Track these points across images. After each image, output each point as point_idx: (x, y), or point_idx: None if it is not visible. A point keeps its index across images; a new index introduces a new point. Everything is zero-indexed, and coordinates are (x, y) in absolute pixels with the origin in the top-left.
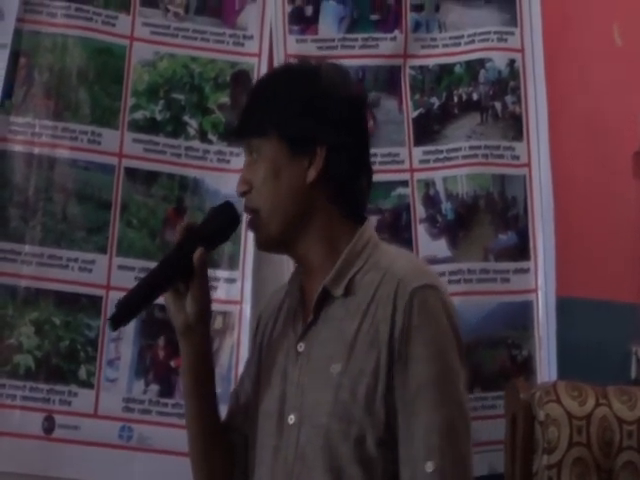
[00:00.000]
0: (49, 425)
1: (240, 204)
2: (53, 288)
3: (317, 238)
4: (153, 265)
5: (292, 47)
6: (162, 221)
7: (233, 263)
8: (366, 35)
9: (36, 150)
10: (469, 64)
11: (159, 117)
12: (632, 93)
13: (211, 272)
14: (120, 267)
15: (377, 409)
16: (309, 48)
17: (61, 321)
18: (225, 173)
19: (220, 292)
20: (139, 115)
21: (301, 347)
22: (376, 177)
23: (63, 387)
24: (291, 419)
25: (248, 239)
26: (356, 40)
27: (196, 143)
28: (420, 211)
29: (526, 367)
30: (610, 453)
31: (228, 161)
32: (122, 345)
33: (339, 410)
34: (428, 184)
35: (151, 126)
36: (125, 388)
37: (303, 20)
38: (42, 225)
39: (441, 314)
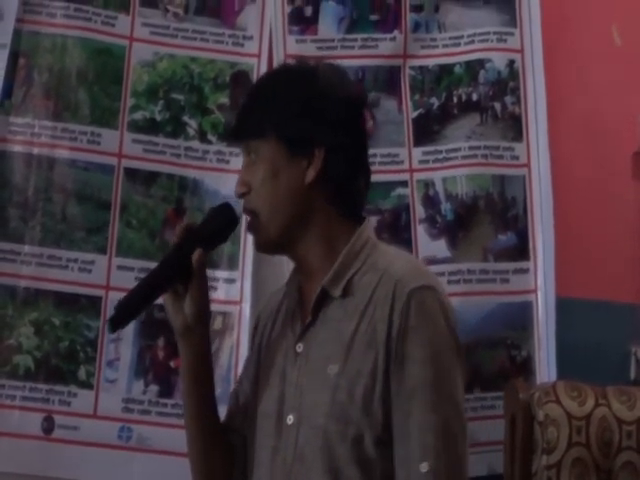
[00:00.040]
0: (48, 425)
1: (239, 205)
2: (53, 288)
3: (316, 239)
4: (153, 265)
5: (292, 47)
6: (162, 221)
7: (232, 263)
8: (366, 35)
9: (35, 150)
10: (469, 64)
11: (159, 117)
12: (631, 93)
13: (210, 272)
14: (120, 267)
15: (375, 410)
16: (309, 48)
17: (61, 321)
18: (225, 173)
19: (219, 292)
20: (138, 115)
21: (300, 348)
22: (375, 177)
23: (62, 387)
24: (290, 420)
25: (247, 239)
26: (356, 40)
27: (196, 143)
28: (420, 211)
29: (525, 367)
30: (609, 453)
31: (228, 161)
32: (122, 346)
33: (336, 411)
34: (428, 184)
35: (151, 126)
36: (124, 388)
37: (303, 20)
38: (42, 225)
39: (438, 315)
